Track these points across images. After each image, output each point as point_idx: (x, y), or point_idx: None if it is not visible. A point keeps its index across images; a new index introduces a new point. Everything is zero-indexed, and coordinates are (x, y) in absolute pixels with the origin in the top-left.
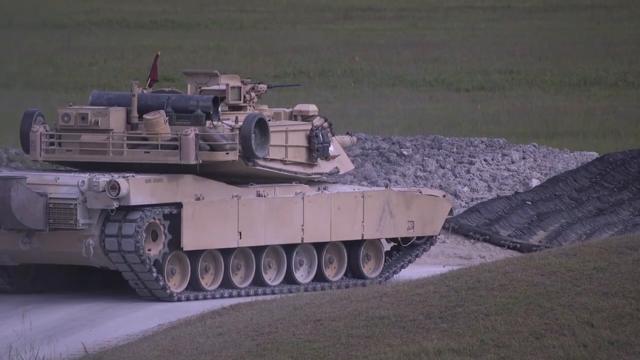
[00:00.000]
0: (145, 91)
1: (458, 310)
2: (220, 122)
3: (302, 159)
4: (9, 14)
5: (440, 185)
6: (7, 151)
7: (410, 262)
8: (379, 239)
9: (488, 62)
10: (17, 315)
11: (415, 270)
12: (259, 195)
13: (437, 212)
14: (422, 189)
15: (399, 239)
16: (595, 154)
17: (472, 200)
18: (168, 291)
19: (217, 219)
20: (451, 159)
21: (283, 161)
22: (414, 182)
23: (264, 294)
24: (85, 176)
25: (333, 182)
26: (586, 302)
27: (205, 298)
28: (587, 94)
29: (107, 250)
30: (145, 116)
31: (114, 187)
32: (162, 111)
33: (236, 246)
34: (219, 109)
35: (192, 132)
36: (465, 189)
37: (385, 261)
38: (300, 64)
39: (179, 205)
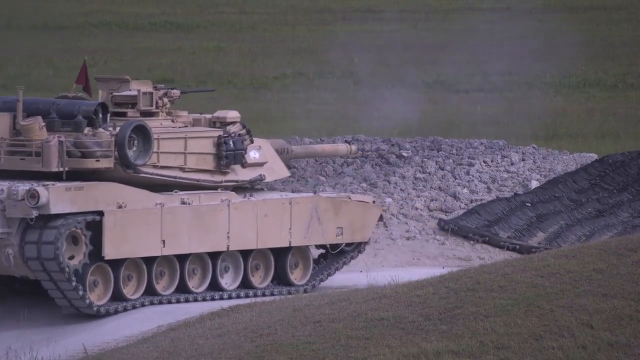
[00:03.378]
0: (70, 95)
1: (457, 312)
2: (101, 129)
3: (208, 166)
4: (8, 16)
5: (439, 187)
6: None
7: (337, 269)
8: (307, 246)
9: (487, 63)
10: (16, 317)
11: (414, 272)
12: (183, 202)
13: (366, 218)
14: (352, 194)
15: (328, 245)
16: (594, 156)
17: (471, 202)
18: (87, 301)
19: (139, 227)
20: (450, 160)
21: (181, 168)
22: (413, 183)
23: (187, 301)
24: (4, 184)
25: (260, 190)
26: (585, 303)
27: (125, 309)
28: (586, 95)
29: (27, 258)
30: (21, 122)
31: (34, 195)
32: (39, 117)
33: (159, 254)
34: (106, 116)
35: (54, 138)
36: (465, 190)
37: (313, 268)
38: (299, 65)
39: (100, 214)
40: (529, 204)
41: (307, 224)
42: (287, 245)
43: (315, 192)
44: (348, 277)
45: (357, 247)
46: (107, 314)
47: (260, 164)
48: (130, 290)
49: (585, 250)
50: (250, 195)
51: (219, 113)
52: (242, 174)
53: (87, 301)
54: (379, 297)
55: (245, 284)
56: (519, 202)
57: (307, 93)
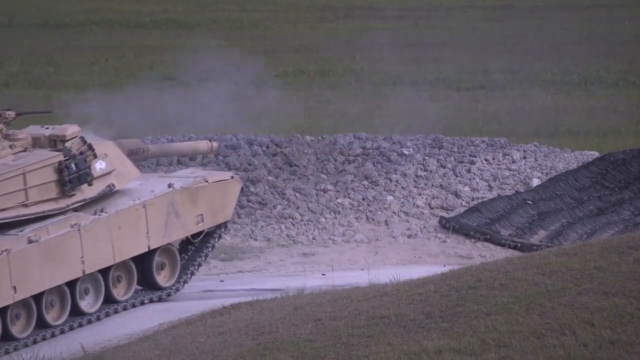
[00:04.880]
0: None
1: (459, 310)
2: None
3: (52, 194)
4: (9, 14)
5: (441, 185)
6: None
7: (207, 255)
8: (170, 244)
9: (488, 61)
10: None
11: (415, 270)
12: (30, 241)
13: (227, 197)
14: (209, 174)
15: (189, 236)
16: (596, 154)
17: (472, 200)
18: None
19: None
20: (452, 158)
21: (24, 205)
22: (414, 181)
23: (44, 339)
24: None
25: (114, 193)
26: (587, 301)
27: None
28: (587, 93)
29: None
30: None
31: None
32: None
33: (12, 302)
34: None
35: None
36: (466, 188)
37: (180, 260)
38: (300, 63)
39: None
40: (530, 202)
41: (165, 222)
42: (146, 250)
43: (170, 186)
44: (350, 274)
45: (220, 227)
46: None
47: (109, 173)
48: None
49: (586, 248)
50: (101, 211)
51: (58, 130)
52: (89, 192)
53: None
54: (380, 295)
55: (109, 299)
56: (521, 200)
57: (308, 91)
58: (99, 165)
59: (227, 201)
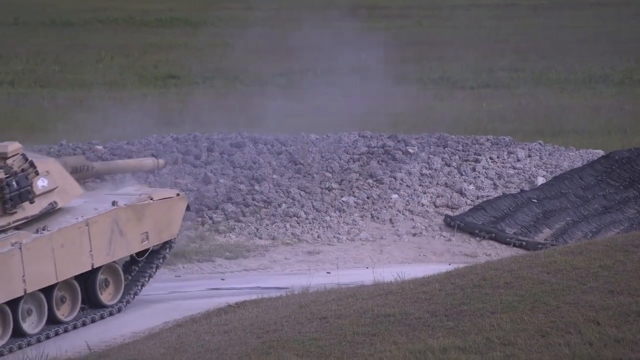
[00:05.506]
0: None
1: (464, 308)
2: None
3: None
4: (15, 12)
5: (446, 183)
6: None
7: (151, 276)
8: (113, 262)
9: (493, 59)
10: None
11: (420, 268)
12: None
13: (172, 214)
14: (154, 192)
15: (134, 254)
16: (601, 152)
17: (477, 198)
18: None
19: None
20: (457, 156)
21: None
22: (419, 179)
23: None
24: None
25: (57, 210)
26: (592, 300)
27: None
28: (593, 91)
29: None
30: None
31: None
32: None
33: None
34: None
35: None
36: (471, 186)
37: (125, 280)
38: (306, 61)
39: None
40: (535, 200)
41: (109, 240)
42: (90, 268)
43: (114, 204)
44: (354, 273)
45: (165, 245)
46: None
47: (51, 190)
48: None
49: (591, 246)
50: (43, 229)
51: None
52: (31, 209)
53: None
54: (385, 294)
55: (52, 320)
56: (525, 198)
57: (313, 89)
58: (41, 183)
59: (173, 218)
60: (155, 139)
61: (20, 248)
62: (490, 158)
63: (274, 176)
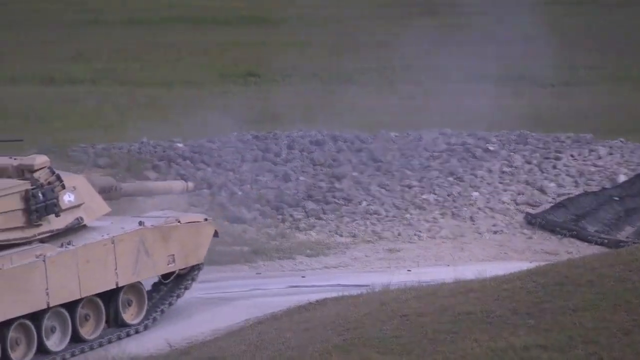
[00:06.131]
0: None
1: (545, 306)
2: None
3: (18, 222)
4: (95, 11)
5: (526, 181)
6: (94, 147)
7: (178, 296)
8: (139, 282)
9: (574, 57)
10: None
11: (501, 266)
12: None
13: (199, 239)
14: (182, 215)
15: (159, 276)
16: None
17: (558, 196)
18: None
19: None
20: (537, 154)
21: None
22: (499, 177)
23: None
24: None
25: (82, 227)
26: None
27: None
28: None
29: None
30: None
31: None
32: None
33: None
34: None
35: None
36: (552, 184)
37: (150, 300)
38: (384, 59)
39: None
40: (617, 198)
41: (135, 259)
42: (114, 287)
43: (140, 224)
44: (435, 270)
45: (193, 270)
46: None
47: (77, 206)
48: None
49: None
50: (69, 243)
51: (26, 160)
52: (56, 223)
53: None
54: (466, 291)
55: (76, 338)
56: (607, 196)
57: (391, 86)
58: (67, 198)
59: (200, 243)
60: (235, 136)
61: (44, 260)
62: (572, 156)
63: (354, 174)
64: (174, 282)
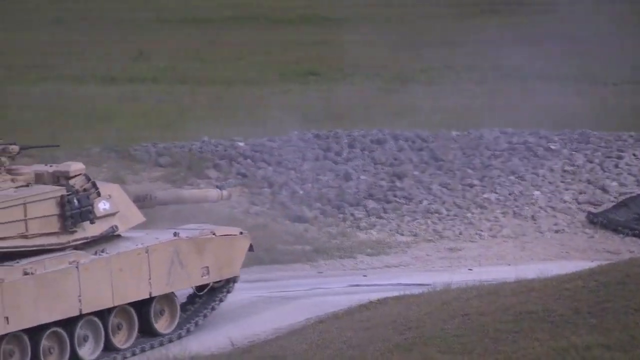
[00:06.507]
0: None
1: (607, 306)
2: None
3: (53, 228)
4: (157, 9)
5: (588, 180)
6: (155, 146)
7: (213, 308)
8: (172, 292)
9: (637, 55)
10: None
11: (563, 265)
12: (25, 273)
13: (234, 252)
14: (217, 228)
15: (193, 288)
16: None
17: (620, 195)
18: None
19: None
20: (599, 153)
21: (24, 236)
22: (561, 176)
23: None
24: None
25: (117, 237)
26: None
27: None
28: None
29: None
30: None
31: None
32: None
33: (3, 333)
34: None
35: None
36: (614, 183)
37: (183, 313)
38: (446, 58)
39: None
40: None
41: (168, 270)
42: (147, 296)
43: (175, 235)
44: (496, 270)
45: (228, 283)
46: None
47: (112, 214)
48: None
49: None
50: (102, 251)
51: (62, 166)
52: (91, 230)
53: None
54: (528, 291)
55: (108, 347)
56: None
57: (454, 86)
58: (102, 205)
59: (235, 256)
60: (296, 135)
61: (77, 267)
62: (634, 154)
63: (415, 173)
64: (209, 294)
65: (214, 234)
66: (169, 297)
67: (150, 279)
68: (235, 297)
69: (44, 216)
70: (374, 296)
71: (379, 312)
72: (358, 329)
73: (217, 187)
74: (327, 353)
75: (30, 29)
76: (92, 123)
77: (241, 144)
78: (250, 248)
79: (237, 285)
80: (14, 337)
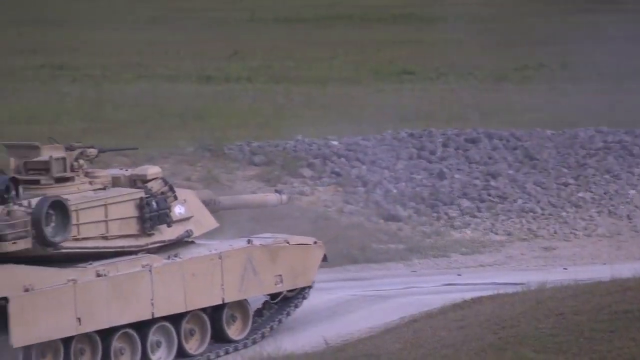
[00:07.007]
0: None
1: None
2: (15, 207)
3: (131, 230)
4: (251, 9)
5: None
6: (249, 144)
7: (289, 314)
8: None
9: None
10: None
11: None
12: (98, 275)
13: (308, 261)
14: (291, 237)
15: (267, 296)
16: None
17: None
18: None
19: (50, 308)
20: None
21: (104, 237)
22: None
23: None
24: None
25: (190, 243)
26: None
27: None
28: None
29: None
30: None
31: None
32: None
33: (75, 333)
34: (18, 190)
35: None
36: None
37: (257, 318)
38: (541, 57)
39: (5, 300)
40: None
41: (241, 276)
42: (220, 302)
43: (249, 242)
44: (591, 269)
45: (301, 292)
46: None
47: (187, 219)
48: None
49: None
50: (175, 255)
51: (139, 170)
52: (168, 233)
53: None
54: (623, 290)
55: (181, 353)
56: None
57: (549, 85)
58: (178, 210)
59: (309, 265)
60: (390, 134)
61: (150, 270)
62: None
63: (510, 171)
64: (283, 300)
65: (287, 243)
66: (241, 304)
67: (222, 285)
68: (330, 295)
69: (124, 218)
70: (468, 295)
71: (473, 311)
72: (452, 328)
73: (276, 191)
74: (421, 352)
75: (126, 29)
76: (186, 122)
77: (335, 142)
78: (324, 258)
79: (332, 284)
80: (86, 336)
